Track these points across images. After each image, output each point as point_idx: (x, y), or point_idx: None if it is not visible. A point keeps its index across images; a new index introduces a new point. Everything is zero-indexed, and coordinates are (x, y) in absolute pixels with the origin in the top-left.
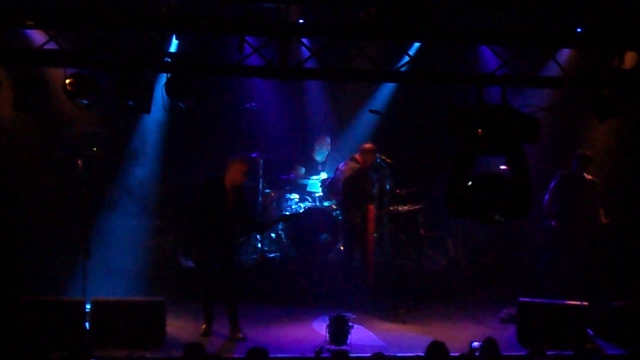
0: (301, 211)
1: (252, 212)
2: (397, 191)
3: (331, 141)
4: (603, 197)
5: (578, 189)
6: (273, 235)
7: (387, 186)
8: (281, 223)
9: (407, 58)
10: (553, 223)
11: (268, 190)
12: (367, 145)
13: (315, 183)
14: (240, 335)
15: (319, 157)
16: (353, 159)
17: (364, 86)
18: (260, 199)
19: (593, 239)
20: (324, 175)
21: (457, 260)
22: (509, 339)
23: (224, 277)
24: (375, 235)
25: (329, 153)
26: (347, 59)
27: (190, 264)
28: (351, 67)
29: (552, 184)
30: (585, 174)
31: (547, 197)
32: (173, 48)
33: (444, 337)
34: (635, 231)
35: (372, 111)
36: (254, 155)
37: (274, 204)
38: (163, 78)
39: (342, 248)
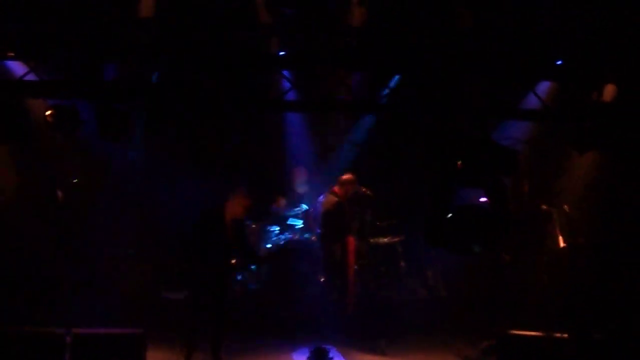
0: (288, 245)
1: (249, 246)
2: (377, 223)
3: (311, 171)
4: (562, 224)
5: (532, 220)
6: (253, 267)
7: (367, 218)
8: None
9: (387, 89)
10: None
11: (249, 222)
12: (345, 177)
13: (296, 217)
14: None
15: (300, 189)
16: (332, 192)
17: (344, 117)
18: None
19: (555, 265)
20: (304, 207)
21: (437, 291)
22: None
23: (215, 309)
24: (355, 267)
25: (308, 184)
26: (327, 91)
27: (172, 295)
28: (331, 98)
29: None
30: (539, 203)
31: None
32: (154, 79)
33: None
34: (609, 260)
35: (351, 142)
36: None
37: (255, 235)
38: (143, 108)
39: (322, 280)
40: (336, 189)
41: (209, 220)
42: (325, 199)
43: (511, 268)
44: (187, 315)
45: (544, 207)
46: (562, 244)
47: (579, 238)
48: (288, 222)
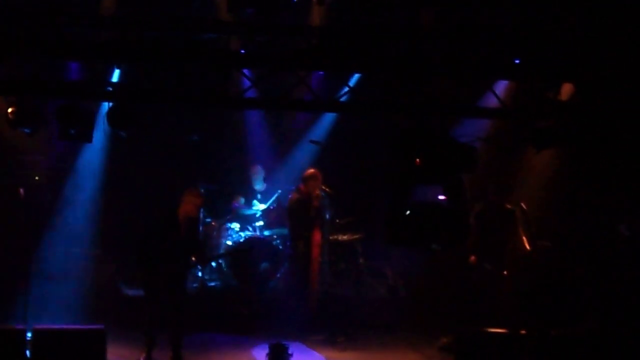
0: (245, 244)
1: (201, 245)
2: (337, 220)
3: (269, 170)
4: (527, 224)
5: (497, 219)
6: (214, 264)
7: (327, 216)
8: (225, 257)
9: (346, 88)
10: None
11: (209, 220)
12: (307, 173)
13: (257, 211)
14: None
15: (258, 186)
16: (297, 190)
17: (304, 116)
18: (201, 229)
19: (520, 267)
20: (262, 206)
21: (396, 288)
22: None
23: (172, 307)
24: (319, 261)
25: (265, 181)
26: (287, 89)
27: (132, 292)
28: (291, 97)
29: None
30: (503, 202)
31: None
32: (115, 77)
33: None
34: (567, 258)
35: (312, 142)
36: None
37: (215, 233)
38: (105, 107)
39: (278, 275)
40: (301, 186)
41: (163, 219)
42: (291, 197)
43: (476, 269)
44: (145, 312)
45: (508, 206)
46: (527, 247)
47: (544, 241)
48: (250, 223)
